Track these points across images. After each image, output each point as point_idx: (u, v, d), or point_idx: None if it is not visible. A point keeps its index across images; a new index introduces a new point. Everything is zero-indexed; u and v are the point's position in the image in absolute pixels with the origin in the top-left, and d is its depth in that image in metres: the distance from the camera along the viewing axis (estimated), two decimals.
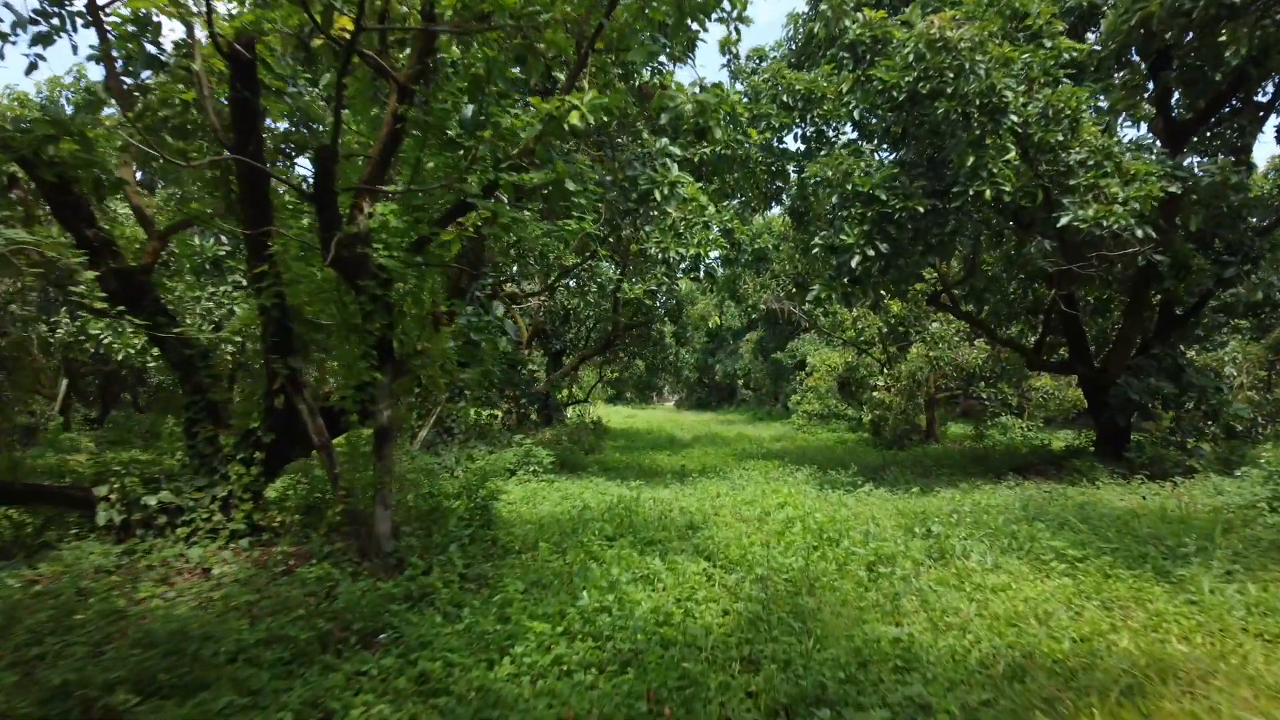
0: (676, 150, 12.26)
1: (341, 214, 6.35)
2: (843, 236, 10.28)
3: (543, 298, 20.67)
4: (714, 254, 22.91)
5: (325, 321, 7.12)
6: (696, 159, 12.85)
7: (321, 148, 5.80)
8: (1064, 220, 9.99)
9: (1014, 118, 9.72)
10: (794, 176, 13.66)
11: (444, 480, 9.22)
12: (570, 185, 6.45)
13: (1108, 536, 7.40)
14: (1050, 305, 12.60)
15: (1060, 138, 10.10)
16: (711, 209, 11.98)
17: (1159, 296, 13.71)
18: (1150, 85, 13.03)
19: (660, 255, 11.41)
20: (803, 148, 13.52)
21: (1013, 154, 9.93)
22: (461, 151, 6.55)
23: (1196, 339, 14.75)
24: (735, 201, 20.78)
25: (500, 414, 15.67)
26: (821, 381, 27.46)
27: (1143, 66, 13.20)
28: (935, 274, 13.63)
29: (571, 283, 22.50)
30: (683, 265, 11.44)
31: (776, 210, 21.18)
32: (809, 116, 12.52)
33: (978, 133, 9.85)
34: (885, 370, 21.33)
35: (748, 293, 21.33)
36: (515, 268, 19.30)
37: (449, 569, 6.11)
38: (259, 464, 6.99)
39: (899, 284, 12.10)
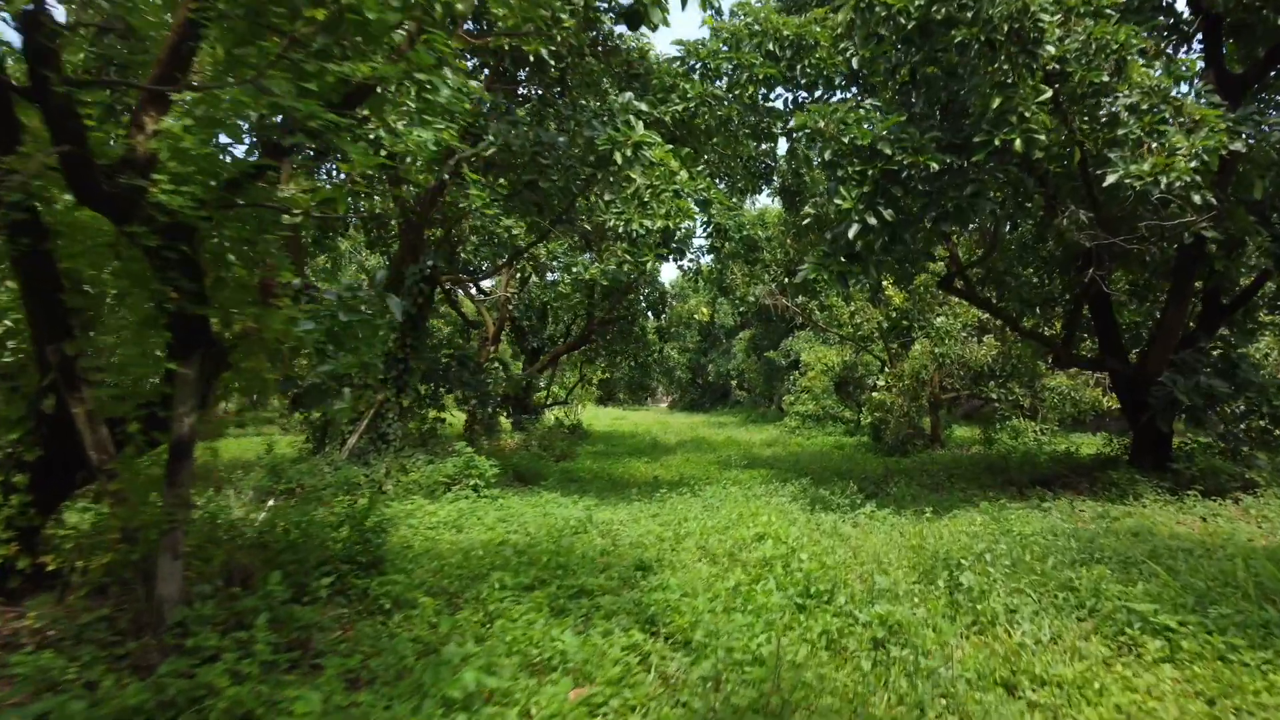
0: (643, 106, 10.27)
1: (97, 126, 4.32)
2: (837, 201, 8.24)
3: (509, 289, 18.63)
4: (698, 240, 21.06)
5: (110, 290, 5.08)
6: (668, 118, 10.82)
7: (27, 12, 3.67)
8: (1111, 179, 7.96)
9: (1050, 49, 7.68)
10: (783, 141, 11.62)
11: (336, 502, 7.17)
12: (443, 84, 4.47)
13: (1199, 587, 5.36)
14: (1088, 289, 10.55)
15: (1105, 78, 8.05)
16: (684, 174, 9.98)
17: (1203, 281, 11.71)
18: (1199, 36, 11.02)
19: (622, 229, 9.38)
20: (791, 110, 11.47)
21: (1048, 94, 7.87)
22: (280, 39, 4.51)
23: (1248, 332, 12.71)
24: (721, 184, 18.81)
25: (446, 418, 13.58)
26: (817, 381, 25.42)
27: (1186, 14, 11.21)
28: (946, 254, 11.57)
29: (548, 275, 20.49)
30: (650, 241, 9.38)
31: (767, 197, 19.18)
32: (799, 67, 10.47)
33: (1005, 67, 7.82)
34: (886, 369, 19.29)
35: (735, 284, 19.33)
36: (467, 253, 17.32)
37: (250, 652, 4.06)
38: (23, 491, 4.95)
39: (906, 264, 10.06)
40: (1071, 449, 15.05)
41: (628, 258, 9.46)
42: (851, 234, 8.13)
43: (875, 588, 5.33)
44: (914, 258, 10.28)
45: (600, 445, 21.60)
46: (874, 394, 18.52)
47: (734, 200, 19.21)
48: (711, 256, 19.77)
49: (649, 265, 9.18)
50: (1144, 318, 14.70)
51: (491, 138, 9.88)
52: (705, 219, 19.25)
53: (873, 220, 8.06)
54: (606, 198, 9.74)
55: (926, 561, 5.99)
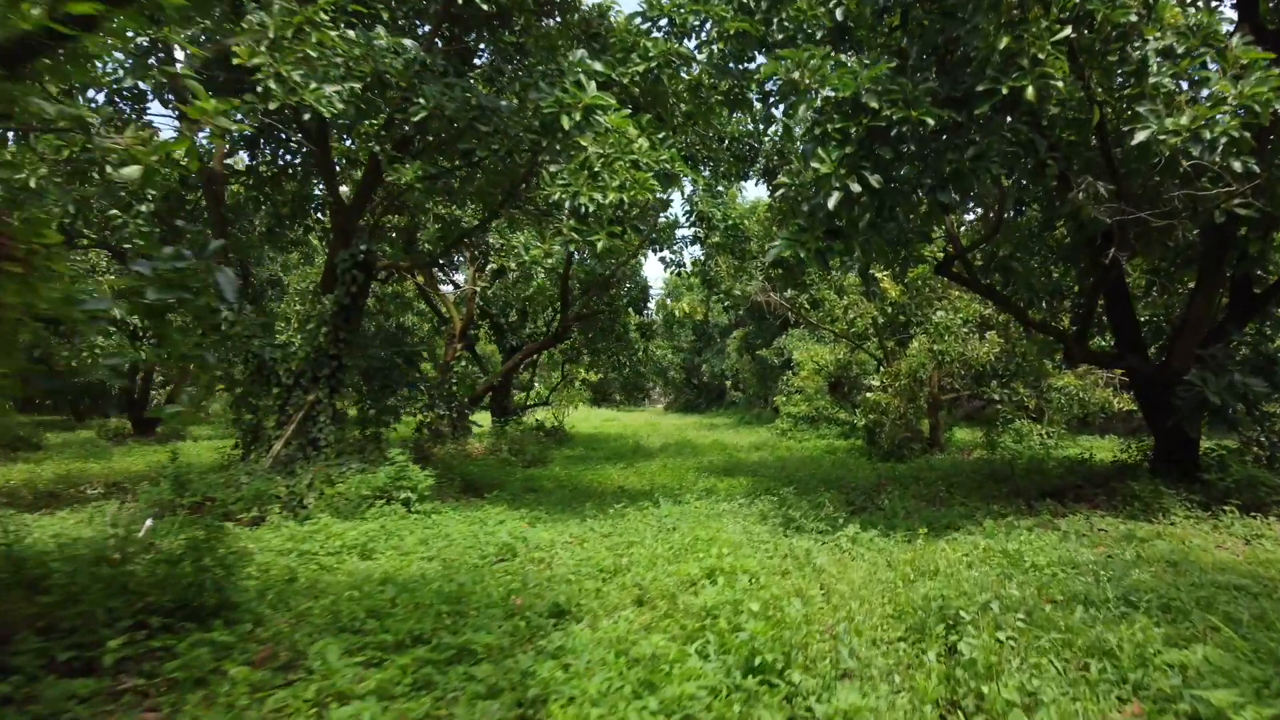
0: (597, 66, 8.90)
1: None
2: (814, 165, 6.87)
3: (478, 282, 17.29)
4: (682, 231, 19.68)
5: None
6: (627, 80, 9.46)
7: None
8: (1141, 136, 6.60)
9: None
10: (758, 107, 10.25)
11: (187, 529, 5.80)
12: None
13: (1273, 649, 4.00)
14: (1106, 275, 9.18)
15: (1133, 18, 6.68)
16: (643, 142, 8.62)
17: (1232, 268, 10.34)
18: None
19: (569, 203, 8.02)
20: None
21: (1065, 33, 6.50)
22: None
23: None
24: (705, 171, 17.48)
25: (393, 423, 12.23)
26: (810, 381, 24.03)
27: None
28: (943, 234, 10.16)
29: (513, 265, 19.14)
30: (603, 218, 8.02)
31: (755, 185, 17.75)
32: (776, 21, 9.09)
33: (1014, 0, 6.46)
34: (881, 368, 17.91)
35: (721, 277, 17.97)
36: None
37: None
38: None
39: (899, 246, 8.69)
40: (1084, 455, 13.65)
41: (574, 236, 8.04)
42: (831, 204, 6.75)
43: (849, 653, 3.96)
44: (907, 239, 8.91)
45: (580, 449, 20.25)
46: (869, 395, 17.13)
47: (719, 188, 17.90)
48: (697, 248, 18.47)
49: (599, 245, 7.77)
50: (1162, 311, 13.31)
51: (422, 101, 8.53)
52: (689, 209, 17.96)
53: (856, 187, 6.69)
54: (552, 169, 8.39)
55: (916, 611, 4.60)
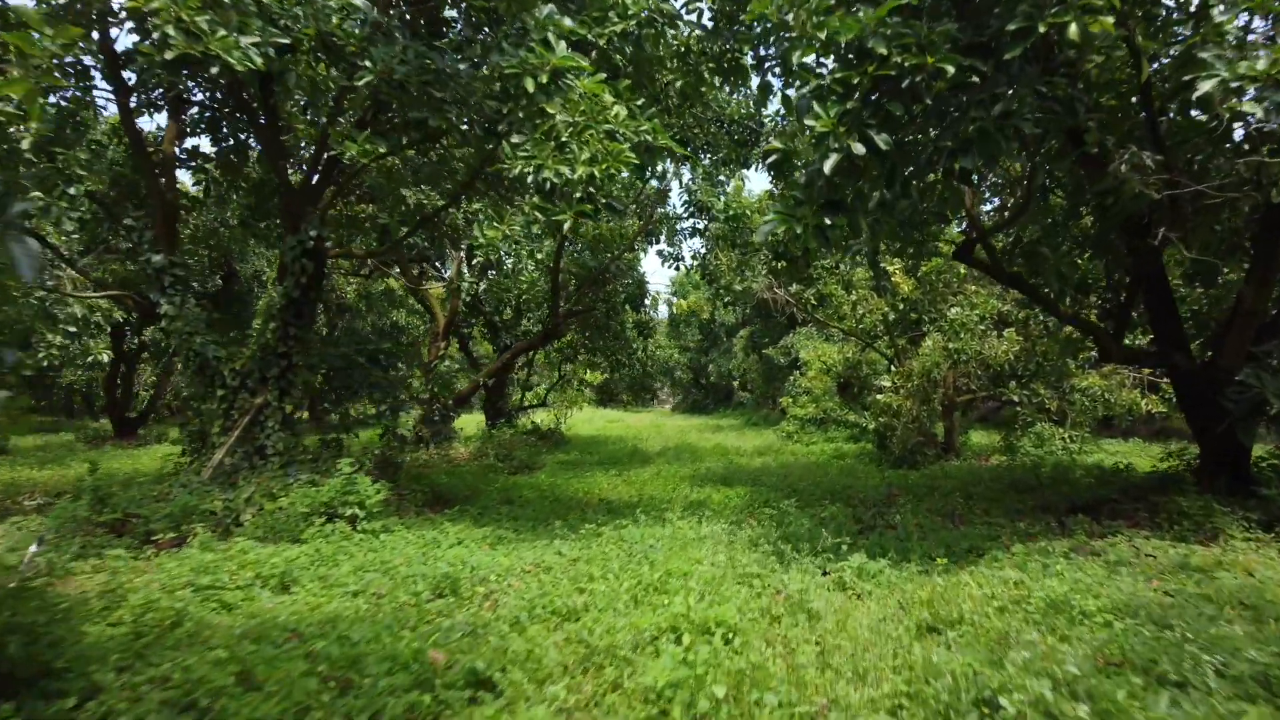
0: (567, 22, 7.78)
1: None
2: (810, 123, 5.70)
3: (464, 276, 16.20)
4: (680, 222, 18.46)
5: None
6: (604, 41, 8.33)
7: None
8: (1206, 87, 5.41)
9: None
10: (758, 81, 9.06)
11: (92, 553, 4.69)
12: None
13: None
14: (1150, 260, 7.96)
15: None
16: (620, 110, 7.49)
17: None
18: None
19: (531, 177, 6.89)
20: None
21: None
22: None
23: None
24: (705, 160, 16.34)
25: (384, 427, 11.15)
26: (817, 382, 22.82)
27: None
28: (963, 214, 8.94)
29: (506, 261, 18.02)
30: (573, 194, 6.89)
31: (758, 173, 16.58)
32: None
33: None
34: (892, 368, 16.68)
35: (722, 271, 16.80)
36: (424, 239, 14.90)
37: None
38: None
39: (912, 227, 7.52)
40: (1119, 464, 12.36)
41: (537, 215, 6.91)
42: (828, 167, 5.58)
43: None
44: (921, 219, 7.72)
45: (575, 453, 19.12)
46: (879, 396, 15.91)
47: (720, 177, 16.75)
48: (698, 241, 17.31)
49: (566, 224, 6.63)
50: (1202, 304, 12.04)
51: (369, 64, 7.43)
52: (687, 199, 16.81)
53: (860, 148, 5.51)
54: (515, 139, 7.26)
55: (937, 696, 3.43)
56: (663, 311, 52.08)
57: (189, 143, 15.79)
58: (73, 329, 14.61)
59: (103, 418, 25.57)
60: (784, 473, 14.04)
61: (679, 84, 10.46)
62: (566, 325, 17.15)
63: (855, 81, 5.62)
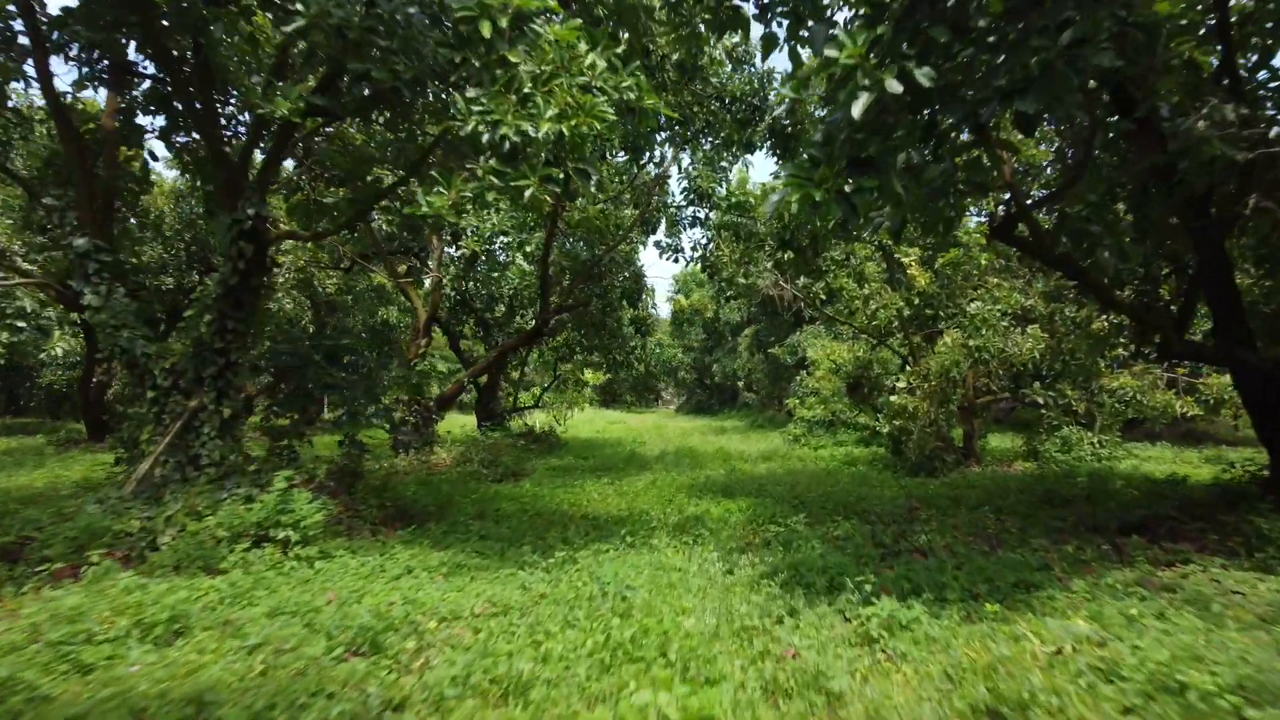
0: None
1: None
2: (831, 53, 4.45)
3: (445, 269, 14.99)
4: (678, 208, 17.09)
5: None
6: None
7: None
8: None
9: None
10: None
11: None
12: None
13: None
14: (1219, 236, 6.67)
15: None
16: (596, 60, 6.25)
17: None
18: None
19: (487, 136, 5.66)
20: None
21: None
22: None
23: None
24: (706, 144, 15.11)
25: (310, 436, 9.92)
26: (825, 382, 21.55)
27: None
28: (999, 184, 7.61)
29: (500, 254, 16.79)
30: (536, 155, 5.66)
31: (762, 160, 15.33)
32: None
33: None
34: (908, 366, 15.40)
35: (724, 263, 15.54)
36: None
37: None
38: None
39: (945, 194, 6.31)
40: (1170, 475, 11.04)
41: (493, 180, 5.66)
42: (858, 110, 4.32)
43: None
44: (955, 187, 6.49)
45: (569, 457, 17.88)
46: (893, 398, 14.63)
47: (723, 163, 15.51)
48: (698, 231, 16.05)
49: (528, 192, 5.39)
50: (1261, 293, 10.73)
51: (301, 8, 6.21)
52: (686, 186, 15.55)
53: (896, 86, 4.26)
54: (470, 93, 6.05)
55: None
56: (664, 310, 50.78)
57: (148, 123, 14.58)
58: (21, 324, 13.43)
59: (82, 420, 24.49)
60: (791, 481, 12.77)
61: (675, 56, 9.22)
62: (558, 322, 15.91)
63: (891, 2, 4.36)
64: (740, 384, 37.46)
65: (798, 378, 23.44)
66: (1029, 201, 7.14)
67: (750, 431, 26.83)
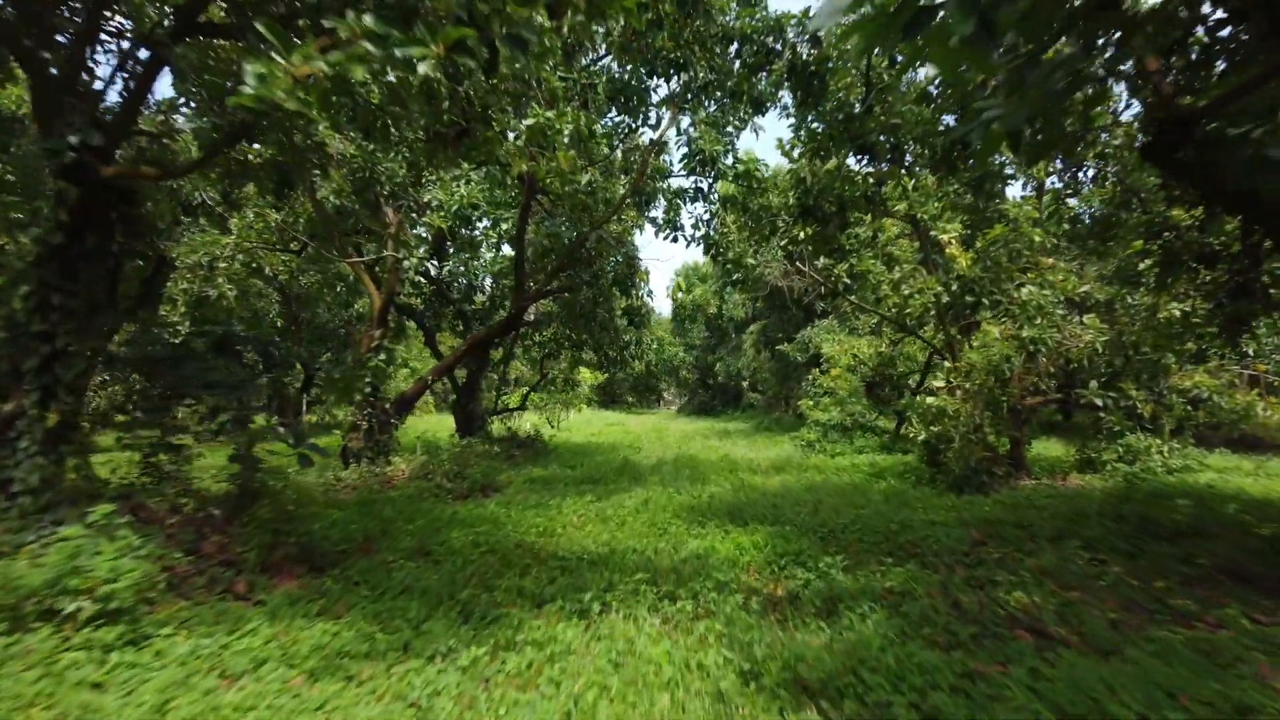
0: None
1: None
2: None
3: (402, 244, 12.70)
4: (676, 180, 14.66)
5: None
6: None
7: None
8: None
9: None
10: None
11: None
12: None
13: None
14: None
15: None
16: None
17: None
18: None
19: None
20: None
21: None
22: None
23: None
24: (710, 105, 12.86)
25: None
26: (841, 381, 19.23)
27: None
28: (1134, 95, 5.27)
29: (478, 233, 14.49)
30: (444, 13, 3.32)
31: (778, 117, 12.88)
32: None
33: None
34: (946, 362, 13.07)
35: (730, 242, 13.21)
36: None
37: None
38: None
39: (1066, 96, 3.96)
40: None
41: (367, 46, 3.36)
42: None
43: None
44: (1082, 83, 4.17)
45: (553, 466, 15.57)
46: (929, 399, 12.29)
47: (729, 128, 13.23)
48: (700, 206, 13.71)
49: (425, 66, 3.02)
50: None
51: None
52: (686, 152, 13.23)
53: None
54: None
55: None
56: (664, 309, 48.42)
57: None
58: None
59: None
60: (813, 501, 10.46)
61: None
62: (545, 315, 13.62)
63: None
64: (745, 384, 35.07)
65: (809, 376, 21.11)
66: (1178, 115, 4.79)
67: (756, 435, 24.49)
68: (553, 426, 29.96)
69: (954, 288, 12.48)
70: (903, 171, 10.71)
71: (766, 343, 27.95)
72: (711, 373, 40.32)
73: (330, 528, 7.58)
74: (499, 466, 14.51)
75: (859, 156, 9.83)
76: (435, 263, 18.17)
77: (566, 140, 8.03)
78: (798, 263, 13.33)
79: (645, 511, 9.75)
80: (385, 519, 8.89)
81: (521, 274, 12.99)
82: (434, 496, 11.19)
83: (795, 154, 10.00)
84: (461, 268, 16.97)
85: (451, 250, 14.57)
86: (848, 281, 12.83)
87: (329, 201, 12.19)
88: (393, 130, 9.78)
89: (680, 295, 40.14)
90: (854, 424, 18.56)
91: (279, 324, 23.62)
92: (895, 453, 17.62)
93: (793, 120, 10.39)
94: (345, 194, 12.36)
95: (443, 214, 12.42)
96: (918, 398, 18.31)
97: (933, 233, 12.75)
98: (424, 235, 12.54)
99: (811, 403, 19.80)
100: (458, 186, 12.41)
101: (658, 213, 14.07)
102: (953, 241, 12.43)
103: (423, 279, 14.57)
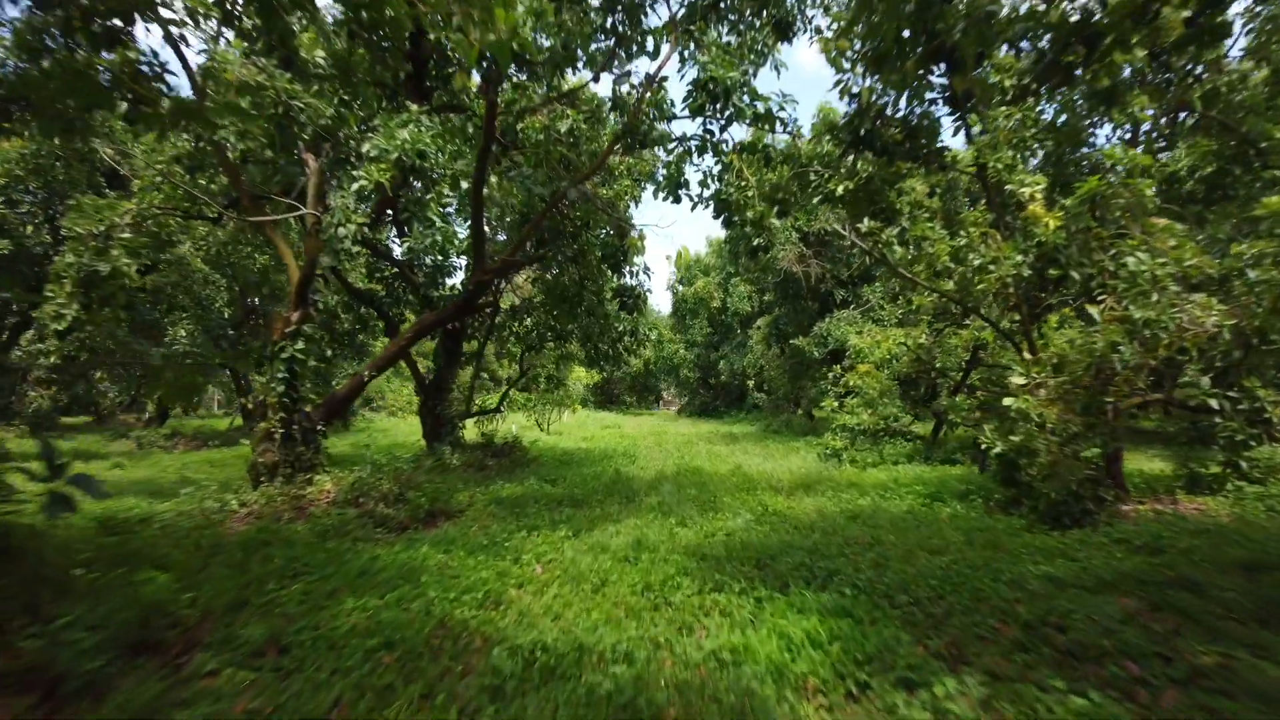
0: None
1: None
2: None
3: (349, 210, 9.84)
4: (680, 124, 11.69)
5: None
6: None
7: None
8: None
9: None
10: None
11: None
12: None
13: None
14: None
15: None
16: None
17: None
18: None
19: None
20: None
21: None
22: None
23: None
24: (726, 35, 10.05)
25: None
26: (870, 379, 16.32)
27: None
28: None
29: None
30: None
31: (806, 46, 9.97)
32: None
33: None
34: (1025, 353, 10.15)
35: (746, 199, 10.29)
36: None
37: None
38: None
39: None
40: None
41: None
42: None
43: None
44: None
45: (530, 481, 12.68)
46: (1010, 401, 9.35)
47: (747, 58, 10.38)
48: (708, 158, 10.82)
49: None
50: None
51: None
52: (691, 87, 10.34)
53: None
54: None
55: None
56: (665, 307, 45.53)
57: None
58: None
59: None
60: (867, 540, 7.59)
61: None
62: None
63: None
64: (750, 383, 32.10)
65: (830, 374, 18.18)
66: None
67: (767, 440, 21.57)
68: (542, 430, 27.12)
69: (1035, 253, 9.60)
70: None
71: (779, 337, 25.03)
72: (714, 371, 37.40)
73: (123, 608, 4.66)
74: (458, 484, 11.62)
75: (934, 64, 6.98)
76: (398, 240, 15.30)
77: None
78: (838, 226, 10.40)
79: (637, 561, 6.85)
80: (258, 577, 6.01)
81: (480, 238, 10.12)
82: (357, 530, 8.30)
83: (845, 60, 7.10)
84: (426, 243, 14.07)
85: (405, 216, 11.63)
86: (899, 249, 9.94)
87: (226, 140, 9.30)
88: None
89: (678, 287, 37.19)
90: (887, 429, 15.66)
91: (226, 314, 20.70)
92: (932, 461, 14.76)
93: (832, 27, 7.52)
94: (254, 138, 9.49)
95: (384, 166, 9.53)
96: (958, 397, 15.42)
97: (1007, 187, 9.85)
98: (362, 193, 9.64)
99: (835, 405, 16.89)
100: (402, 131, 9.53)
101: (655, 162, 11.18)
102: (1036, 199, 9.54)
103: (368, 251, 11.67)
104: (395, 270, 15.49)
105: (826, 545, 7.35)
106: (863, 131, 7.12)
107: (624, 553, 7.14)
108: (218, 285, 19.99)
